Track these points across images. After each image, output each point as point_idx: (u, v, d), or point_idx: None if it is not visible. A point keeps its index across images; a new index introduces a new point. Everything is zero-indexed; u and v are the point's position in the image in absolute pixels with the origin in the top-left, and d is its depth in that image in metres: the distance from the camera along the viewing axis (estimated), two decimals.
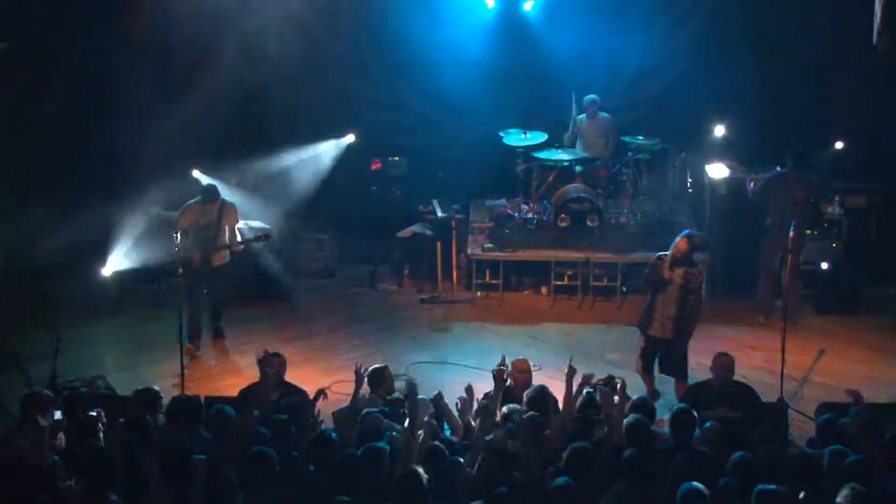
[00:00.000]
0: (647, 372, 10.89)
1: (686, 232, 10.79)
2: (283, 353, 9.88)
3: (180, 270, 10.79)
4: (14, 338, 12.06)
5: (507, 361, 9.10)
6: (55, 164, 14.39)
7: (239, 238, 12.39)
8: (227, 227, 12.23)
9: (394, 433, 7.95)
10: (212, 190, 12.37)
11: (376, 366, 9.48)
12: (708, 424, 8.20)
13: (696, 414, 8.18)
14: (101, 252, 13.04)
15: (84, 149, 14.59)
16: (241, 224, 12.76)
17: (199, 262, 11.95)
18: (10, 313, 13.04)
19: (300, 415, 8.22)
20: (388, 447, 7.48)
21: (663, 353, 10.79)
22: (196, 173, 14.34)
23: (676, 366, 10.73)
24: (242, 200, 13.78)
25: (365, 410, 8.46)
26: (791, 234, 11.04)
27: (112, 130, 14.57)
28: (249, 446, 7.51)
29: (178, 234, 10.81)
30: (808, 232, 13.43)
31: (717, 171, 13.84)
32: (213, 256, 12.13)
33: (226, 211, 12.25)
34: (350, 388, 8.86)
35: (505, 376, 8.96)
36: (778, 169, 13.14)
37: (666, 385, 10.94)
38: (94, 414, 8.20)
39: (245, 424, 7.99)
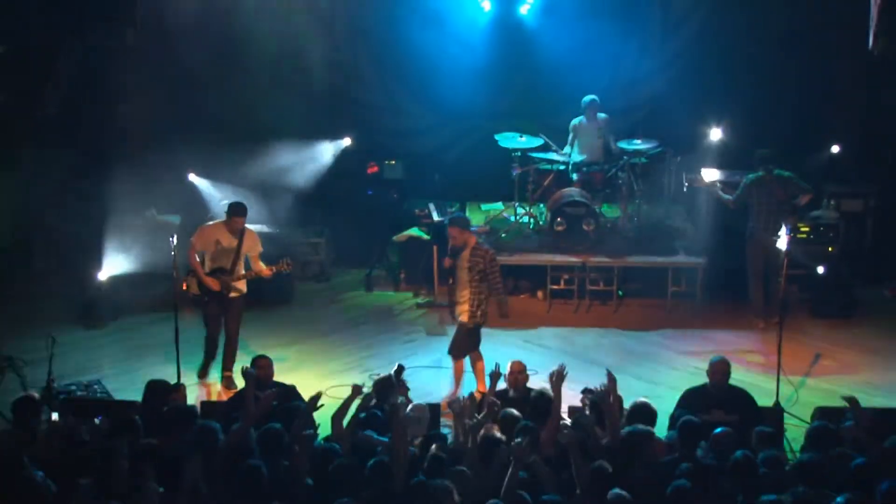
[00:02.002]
0: (454, 355, 11.16)
1: (448, 219, 10.85)
2: (267, 356, 9.82)
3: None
4: (10, 341, 12.01)
5: (500, 368, 9.13)
6: (50, 167, 14.37)
7: (264, 267, 11.39)
8: (245, 257, 11.35)
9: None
10: (240, 206, 11.34)
11: (383, 375, 9.45)
12: (719, 430, 8.16)
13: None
14: (96, 255, 13.03)
15: (79, 152, 14.59)
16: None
17: (214, 292, 11.33)
18: (6, 316, 13.04)
19: (296, 422, 8.15)
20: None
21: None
22: (192, 177, 14.37)
23: (457, 344, 11.07)
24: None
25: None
26: (787, 236, 11.04)
27: (107, 133, 14.58)
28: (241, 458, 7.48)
29: (175, 238, 10.70)
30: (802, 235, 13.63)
31: (713, 175, 13.90)
32: (230, 288, 11.35)
33: (247, 239, 11.32)
34: (345, 393, 8.80)
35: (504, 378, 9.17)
36: (760, 173, 13.16)
37: (660, 389, 10.98)
38: (98, 422, 8.23)
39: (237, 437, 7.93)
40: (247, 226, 11.39)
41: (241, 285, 11.42)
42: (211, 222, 11.61)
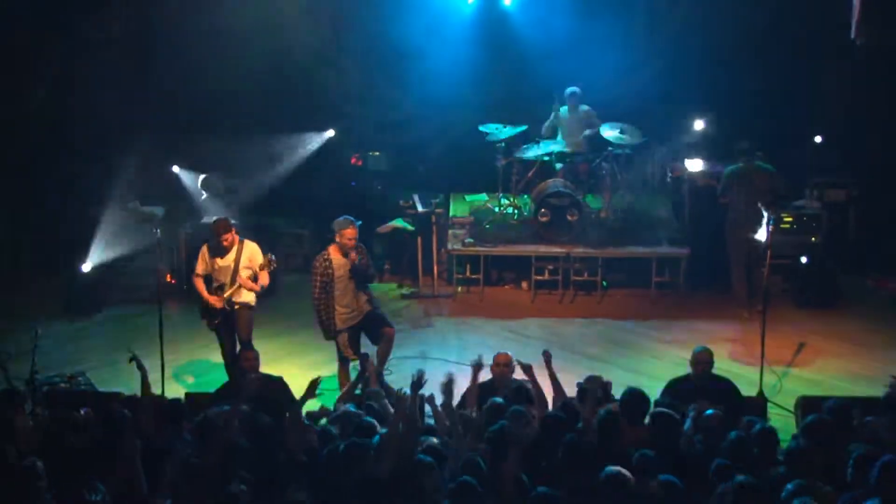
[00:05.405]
0: (357, 353, 10.95)
1: (345, 218, 10.77)
2: (254, 348, 9.99)
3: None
4: None
5: (484, 360, 9.10)
6: (34, 160, 14.32)
7: (267, 281, 10.87)
8: (247, 272, 10.82)
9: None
10: (220, 223, 10.80)
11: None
12: (710, 412, 8.12)
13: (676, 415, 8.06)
14: (80, 247, 12.98)
15: (62, 145, 14.54)
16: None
17: (219, 310, 10.93)
18: None
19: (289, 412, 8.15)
20: (372, 443, 7.41)
21: (368, 325, 10.98)
22: (175, 169, 14.32)
23: (384, 320, 11.01)
24: (220, 195, 13.79)
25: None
26: (770, 227, 11.07)
27: (91, 126, 14.53)
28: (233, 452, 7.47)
29: (159, 230, 10.64)
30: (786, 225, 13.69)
31: (696, 165, 13.94)
32: (230, 301, 10.89)
33: (245, 254, 10.79)
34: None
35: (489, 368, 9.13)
36: (740, 164, 13.23)
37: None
38: (83, 413, 8.21)
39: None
40: (245, 240, 10.88)
41: (246, 297, 10.95)
42: (206, 244, 11.05)
